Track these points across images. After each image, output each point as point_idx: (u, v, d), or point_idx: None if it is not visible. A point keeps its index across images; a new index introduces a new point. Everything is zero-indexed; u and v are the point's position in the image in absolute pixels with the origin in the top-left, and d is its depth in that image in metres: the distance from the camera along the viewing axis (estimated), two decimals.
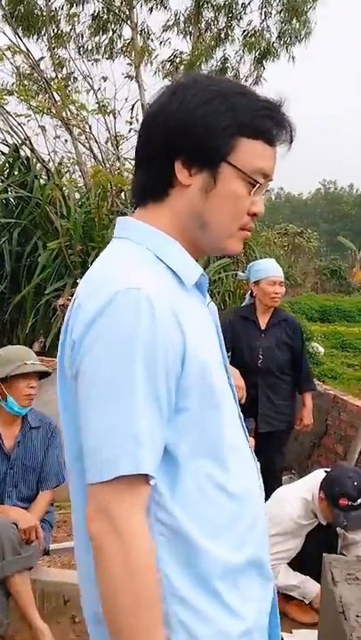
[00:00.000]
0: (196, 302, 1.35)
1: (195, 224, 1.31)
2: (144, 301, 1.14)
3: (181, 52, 11.36)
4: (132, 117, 10.66)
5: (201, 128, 1.26)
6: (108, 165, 10.24)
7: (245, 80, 11.76)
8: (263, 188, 1.33)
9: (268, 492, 4.08)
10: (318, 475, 3.86)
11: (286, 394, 4.79)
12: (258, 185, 1.30)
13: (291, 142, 1.34)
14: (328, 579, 2.12)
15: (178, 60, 11.40)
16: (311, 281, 41.75)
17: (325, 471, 3.84)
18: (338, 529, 3.78)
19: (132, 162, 12.03)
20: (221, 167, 1.27)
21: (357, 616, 1.89)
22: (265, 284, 4.65)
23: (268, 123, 1.29)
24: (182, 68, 11.09)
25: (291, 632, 3.42)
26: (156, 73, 11.22)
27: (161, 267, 1.27)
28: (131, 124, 10.62)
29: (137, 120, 10.65)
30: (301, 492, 3.78)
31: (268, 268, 4.77)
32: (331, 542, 3.79)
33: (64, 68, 11.00)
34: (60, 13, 10.89)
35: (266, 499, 4.02)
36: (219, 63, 11.70)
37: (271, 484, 4.21)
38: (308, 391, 4.97)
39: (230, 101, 1.26)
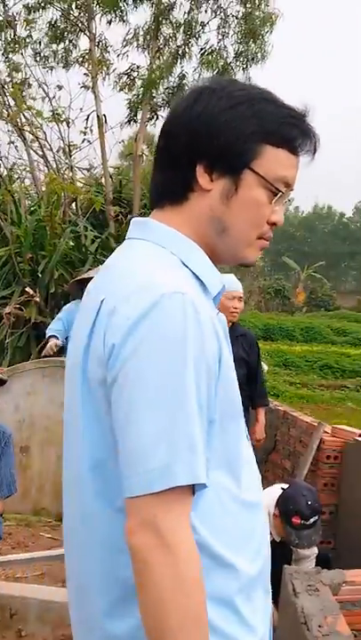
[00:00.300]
0: (214, 311, 1.30)
1: (214, 230, 1.28)
2: (190, 306, 1.11)
3: (139, 67, 11.38)
4: (86, 127, 10.66)
5: (225, 133, 1.23)
6: (60, 174, 10.19)
7: None
8: (285, 197, 1.30)
9: None
10: (273, 491, 3.85)
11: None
12: (280, 193, 1.27)
13: (314, 152, 1.31)
14: (289, 590, 2.11)
15: (135, 75, 11.41)
16: (255, 299, 42.24)
17: (282, 488, 3.84)
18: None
19: (84, 172, 12.07)
20: (244, 174, 1.25)
21: (320, 626, 1.89)
22: (224, 298, 4.64)
23: (294, 131, 1.27)
24: (139, 83, 11.10)
25: None
26: (113, 86, 11.18)
27: (187, 272, 1.23)
28: (85, 134, 10.61)
29: (91, 130, 10.66)
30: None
31: (229, 283, 4.75)
32: (287, 557, 3.79)
33: (19, 73, 10.89)
34: (17, 19, 10.78)
35: None
36: (177, 79, 11.71)
37: None
38: (262, 406, 4.98)
39: (256, 107, 1.24)
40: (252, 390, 4.83)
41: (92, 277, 4.68)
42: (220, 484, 1.19)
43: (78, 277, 6.19)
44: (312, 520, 3.55)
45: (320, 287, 51.74)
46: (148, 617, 1.07)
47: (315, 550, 3.84)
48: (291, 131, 1.25)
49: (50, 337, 5.86)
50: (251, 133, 1.23)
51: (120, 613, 1.17)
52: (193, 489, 1.09)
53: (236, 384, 1.27)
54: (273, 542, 3.70)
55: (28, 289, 7.82)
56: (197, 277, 1.24)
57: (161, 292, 1.10)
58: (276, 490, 3.83)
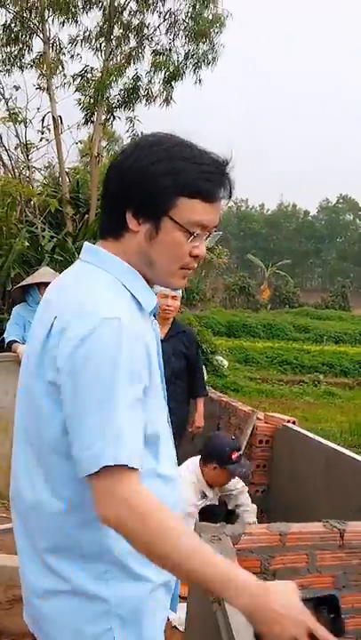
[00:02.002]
0: (148, 322, 1.61)
1: (144, 262, 1.53)
2: (124, 330, 1.38)
3: (92, 68, 11.56)
4: (43, 127, 10.86)
5: (147, 187, 1.46)
6: (17, 173, 10.39)
7: (154, 100, 12.01)
8: (202, 236, 1.53)
9: None
10: (193, 460, 4.34)
11: (180, 398, 5.12)
12: (194, 235, 1.50)
13: (230, 197, 1.54)
14: None
15: (89, 76, 11.58)
16: (220, 296, 42.56)
17: (199, 451, 4.30)
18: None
19: (42, 172, 12.26)
20: (163, 220, 1.48)
21: None
22: (158, 296, 4.99)
23: (207, 185, 1.48)
24: (93, 84, 11.27)
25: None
26: (67, 86, 11.36)
27: (127, 295, 1.50)
28: (42, 133, 10.82)
29: (48, 130, 10.84)
30: (186, 478, 4.17)
31: None
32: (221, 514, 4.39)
33: None
34: None
35: None
36: (131, 81, 11.91)
37: None
38: (201, 397, 5.37)
39: (173, 165, 1.46)
40: (192, 382, 5.18)
41: (33, 283, 4.95)
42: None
43: (22, 283, 6.39)
44: (241, 450, 4.12)
45: (285, 285, 52.30)
46: (151, 557, 1.36)
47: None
48: (203, 185, 1.47)
49: (13, 342, 5.98)
50: (165, 188, 1.46)
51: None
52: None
53: (158, 373, 1.61)
54: (207, 508, 4.17)
55: None
56: (135, 298, 1.53)
57: (102, 316, 1.39)
58: (194, 459, 4.33)
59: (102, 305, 1.41)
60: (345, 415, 14.62)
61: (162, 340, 5.25)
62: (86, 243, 1.64)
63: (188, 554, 1.32)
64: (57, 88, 11.10)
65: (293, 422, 5.36)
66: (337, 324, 33.29)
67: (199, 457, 4.37)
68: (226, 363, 17.80)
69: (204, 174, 1.48)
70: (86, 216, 10.43)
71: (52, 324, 1.44)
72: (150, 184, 1.47)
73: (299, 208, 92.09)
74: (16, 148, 10.68)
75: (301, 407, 15.80)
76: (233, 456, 4.22)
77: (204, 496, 4.33)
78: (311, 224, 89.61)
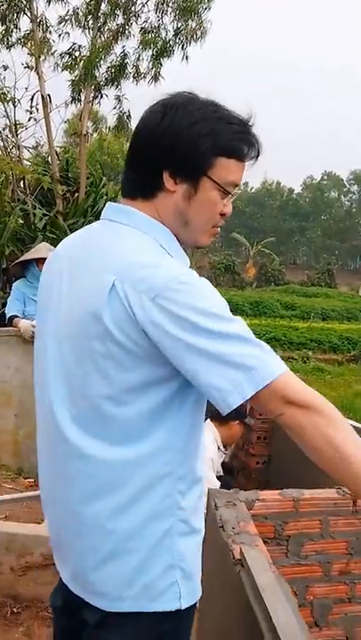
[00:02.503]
0: None
1: (179, 222, 1.58)
2: (194, 274, 1.47)
3: (80, 46, 11.49)
4: (31, 107, 10.80)
5: (186, 148, 1.51)
6: (6, 152, 10.35)
7: (144, 77, 11.98)
8: (234, 195, 1.60)
9: None
10: (206, 425, 4.43)
11: None
12: (231, 194, 1.58)
13: (257, 157, 1.61)
14: (212, 505, 2.53)
15: (77, 54, 11.51)
16: (206, 275, 42.57)
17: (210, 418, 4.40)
18: None
19: (31, 150, 12.21)
20: (202, 180, 1.54)
21: (233, 528, 2.31)
22: None
23: (242, 144, 1.56)
24: (81, 63, 11.22)
25: None
26: (55, 67, 11.29)
27: (165, 253, 1.53)
28: (31, 112, 10.76)
29: (37, 109, 10.78)
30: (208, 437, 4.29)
31: None
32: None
33: None
34: None
35: None
36: (119, 58, 11.85)
37: None
38: None
39: (211, 126, 1.52)
40: None
41: (32, 259, 5.03)
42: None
43: (20, 259, 6.45)
44: None
45: (270, 262, 52.42)
46: (337, 465, 1.42)
47: None
48: (239, 144, 1.55)
49: (14, 317, 6.06)
50: (207, 149, 1.52)
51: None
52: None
53: None
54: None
55: None
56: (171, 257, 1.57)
57: (177, 272, 1.44)
58: (207, 424, 4.46)
59: (162, 265, 1.46)
60: (335, 390, 14.77)
61: None
62: (112, 204, 1.67)
63: None
64: (49, 68, 11.02)
65: None
66: (323, 301, 33.51)
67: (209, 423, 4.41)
68: None
69: (238, 134, 1.55)
70: (76, 194, 10.42)
71: (112, 286, 1.44)
72: (190, 145, 1.51)
73: (283, 186, 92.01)
74: (4, 129, 10.64)
75: None
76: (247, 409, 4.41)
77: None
78: (296, 202, 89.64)
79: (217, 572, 2.34)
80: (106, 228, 1.61)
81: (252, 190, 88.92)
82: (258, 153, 1.61)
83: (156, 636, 1.57)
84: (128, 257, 1.48)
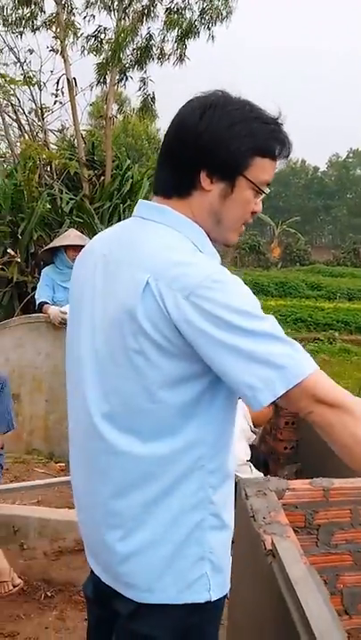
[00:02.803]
0: None
1: (212, 220, 1.61)
2: (227, 272, 1.50)
3: (105, 28, 11.45)
4: (57, 90, 10.82)
5: (225, 149, 1.54)
6: (32, 136, 10.38)
7: (168, 58, 11.91)
8: (266, 193, 1.64)
9: None
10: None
11: None
12: (264, 192, 1.62)
13: (288, 156, 1.64)
14: (242, 495, 2.57)
15: (103, 37, 11.48)
16: (230, 255, 42.46)
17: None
18: None
19: (57, 134, 12.24)
20: (238, 180, 1.57)
21: (264, 518, 2.35)
22: None
23: (276, 144, 1.59)
24: (107, 46, 11.17)
25: None
26: (82, 50, 11.26)
27: (199, 253, 1.55)
28: (56, 96, 10.77)
29: (62, 93, 10.79)
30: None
31: None
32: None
33: None
34: None
35: None
36: (144, 40, 11.79)
37: None
38: None
39: (249, 127, 1.55)
40: None
41: (62, 245, 5.09)
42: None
43: (49, 246, 6.50)
44: None
45: (295, 242, 52.05)
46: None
47: None
48: (274, 144, 1.59)
49: (43, 304, 6.11)
50: (246, 150, 1.55)
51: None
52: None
53: None
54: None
55: (9, 250, 8.17)
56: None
57: (209, 271, 1.46)
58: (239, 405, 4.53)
59: (195, 263, 1.48)
60: None
61: None
62: (145, 201, 1.69)
63: None
64: (76, 51, 11.01)
65: None
66: (349, 281, 33.31)
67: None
68: None
69: (273, 133, 1.59)
70: (102, 178, 10.43)
71: (146, 284, 1.47)
72: (230, 146, 1.54)
73: (308, 164, 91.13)
74: (30, 113, 10.67)
75: (318, 365, 15.91)
76: None
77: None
78: (321, 180, 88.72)
79: (248, 562, 2.38)
80: (139, 226, 1.63)
81: (277, 169, 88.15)
82: (289, 151, 1.64)
83: (185, 628, 1.61)
84: (161, 255, 1.51)
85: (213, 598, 1.61)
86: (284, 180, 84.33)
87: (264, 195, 1.63)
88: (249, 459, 4.41)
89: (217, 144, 1.54)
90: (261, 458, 4.76)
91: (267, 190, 1.62)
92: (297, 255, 48.85)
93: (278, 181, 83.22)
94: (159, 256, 1.50)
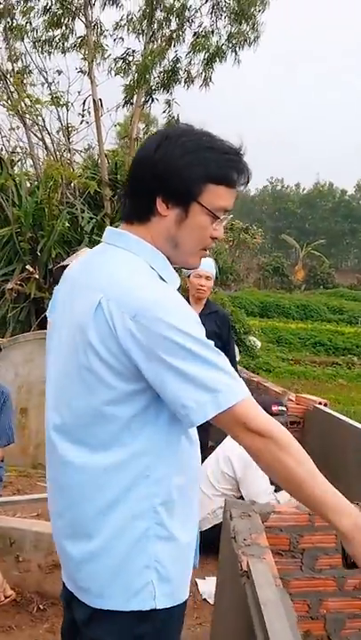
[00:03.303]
0: None
1: (170, 244, 1.68)
2: (171, 295, 1.59)
3: (134, 51, 11.68)
4: (83, 110, 11.04)
5: (178, 176, 1.61)
6: (58, 155, 10.60)
7: (193, 82, 12.08)
8: (224, 220, 1.70)
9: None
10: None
11: None
12: (220, 218, 1.68)
13: (247, 183, 1.70)
14: (227, 516, 2.64)
15: (130, 59, 11.70)
16: (254, 277, 42.49)
17: None
18: None
19: (82, 153, 12.46)
20: (192, 205, 1.64)
21: (244, 539, 2.41)
22: (192, 277, 5.18)
23: (231, 172, 1.65)
24: (134, 68, 11.40)
25: (204, 578, 3.94)
26: (109, 71, 11.50)
27: (156, 276, 1.64)
28: (83, 116, 10.99)
29: (88, 113, 11.01)
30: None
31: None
32: None
33: (19, 61, 11.27)
34: (16, 7, 11.12)
35: None
36: (171, 63, 11.98)
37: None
38: None
39: (202, 156, 1.62)
40: None
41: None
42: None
43: (62, 263, 6.62)
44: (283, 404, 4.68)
45: (319, 265, 51.94)
46: (290, 486, 1.60)
47: None
48: (228, 172, 1.65)
49: None
50: (197, 177, 1.62)
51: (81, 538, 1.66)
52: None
53: None
54: None
55: (28, 266, 8.33)
56: (163, 279, 1.68)
57: (153, 296, 1.55)
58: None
59: (146, 286, 1.56)
60: None
61: None
62: (110, 227, 1.77)
63: (314, 476, 1.58)
64: (102, 72, 11.24)
65: (325, 404, 5.49)
66: None
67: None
68: (259, 343, 17.87)
69: (228, 162, 1.65)
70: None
71: (98, 304, 1.55)
72: (182, 173, 1.61)
73: (335, 187, 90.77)
74: (58, 132, 10.90)
75: (334, 389, 15.87)
76: (274, 409, 4.46)
77: None
78: (348, 203, 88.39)
79: (226, 582, 2.45)
80: (102, 251, 1.72)
81: (304, 192, 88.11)
82: (248, 179, 1.70)
83: (135, 636, 1.67)
84: (115, 277, 1.59)
85: (159, 606, 1.66)
86: (311, 202, 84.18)
87: (223, 221, 1.70)
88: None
89: (170, 172, 1.62)
90: None
91: (223, 216, 1.68)
92: (321, 278, 48.66)
93: (305, 203, 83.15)
94: (113, 278, 1.59)
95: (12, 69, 10.82)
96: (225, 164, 1.64)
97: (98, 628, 1.68)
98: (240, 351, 15.38)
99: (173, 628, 1.76)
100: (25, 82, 10.56)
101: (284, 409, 4.62)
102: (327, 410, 5.39)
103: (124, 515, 1.62)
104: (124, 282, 1.57)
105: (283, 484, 1.61)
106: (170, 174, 1.62)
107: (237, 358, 9.22)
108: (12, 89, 9.88)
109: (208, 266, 5.24)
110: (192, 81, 12.04)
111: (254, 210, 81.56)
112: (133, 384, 1.57)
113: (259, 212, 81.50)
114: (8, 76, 10.24)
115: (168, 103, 12.03)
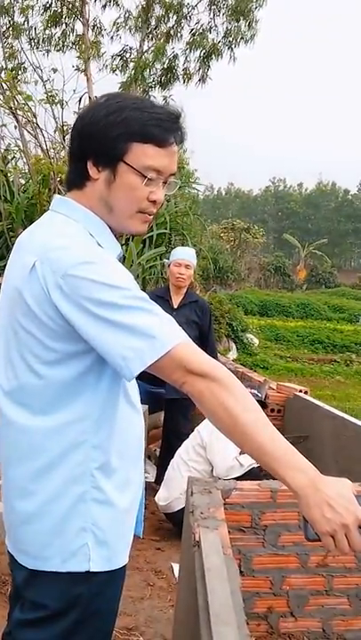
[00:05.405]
0: None
1: (105, 209, 1.69)
2: (105, 256, 1.60)
3: (131, 48, 11.76)
4: (79, 108, 11.09)
5: (102, 137, 1.62)
6: (53, 153, 10.65)
7: (191, 78, 12.15)
8: (158, 181, 1.67)
9: (172, 453, 4.72)
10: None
11: None
12: (147, 178, 1.65)
13: (181, 142, 1.69)
14: (189, 492, 2.68)
15: (127, 56, 11.77)
16: (255, 276, 42.44)
17: None
18: None
19: None
20: (119, 165, 1.64)
21: (201, 513, 2.45)
22: (172, 265, 5.25)
23: (157, 130, 1.63)
24: (132, 65, 11.47)
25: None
26: (104, 67, 11.58)
27: (94, 242, 1.66)
28: (78, 114, 11.03)
29: None
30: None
31: (177, 253, 5.43)
32: None
33: (13, 58, 11.34)
34: (14, 5, 11.20)
35: (170, 458, 4.70)
36: (168, 60, 12.06)
37: (175, 445, 4.84)
38: None
39: (124, 115, 1.62)
40: (204, 351, 5.40)
41: None
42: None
43: None
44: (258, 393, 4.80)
45: (321, 265, 51.85)
46: (236, 434, 1.53)
47: None
48: (153, 130, 1.63)
49: None
50: (118, 135, 1.62)
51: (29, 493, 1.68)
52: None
53: None
54: None
55: None
56: (100, 246, 1.70)
57: (83, 259, 1.56)
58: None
59: (78, 247, 1.58)
60: None
61: (174, 309, 5.47)
62: (57, 196, 1.79)
63: (265, 425, 1.52)
64: (97, 70, 11.31)
65: (305, 392, 5.55)
66: None
67: None
68: (256, 341, 17.91)
69: (154, 120, 1.64)
70: None
71: (32, 266, 1.58)
72: (104, 133, 1.63)
73: (338, 187, 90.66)
74: (55, 132, 10.95)
75: (331, 386, 15.83)
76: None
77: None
78: (351, 203, 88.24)
79: (184, 555, 2.49)
80: (46, 218, 1.74)
81: (307, 191, 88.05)
82: (181, 139, 1.70)
83: (72, 597, 1.70)
84: (49, 241, 1.61)
85: (93, 569, 1.70)
86: (314, 202, 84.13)
87: (157, 182, 1.68)
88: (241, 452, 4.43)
89: (95, 133, 1.64)
90: None
91: (155, 176, 1.66)
92: (323, 278, 48.58)
93: (308, 203, 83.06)
94: (47, 242, 1.61)
95: (6, 67, 10.88)
96: (150, 122, 1.64)
97: (35, 589, 1.71)
98: (237, 348, 15.44)
99: (110, 592, 1.78)
100: (19, 79, 10.61)
101: (259, 395, 4.61)
102: (306, 397, 5.44)
103: (62, 477, 1.66)
104: (58, 245, 1.59)
105: (229, 433, 1.55)
106: (94, 135, 1.65)
107: (235, 355, 9.31)
108: (5, 86, 9.94)
109: (188, 255, 5.31)
110: (190, 77, 12.13)
111: (257, 210, 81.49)
112: (71, 345, 1.59)
113: (261, 212, 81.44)
114: (1, 74, 10.30)
115: (165, 100, 12.10)
